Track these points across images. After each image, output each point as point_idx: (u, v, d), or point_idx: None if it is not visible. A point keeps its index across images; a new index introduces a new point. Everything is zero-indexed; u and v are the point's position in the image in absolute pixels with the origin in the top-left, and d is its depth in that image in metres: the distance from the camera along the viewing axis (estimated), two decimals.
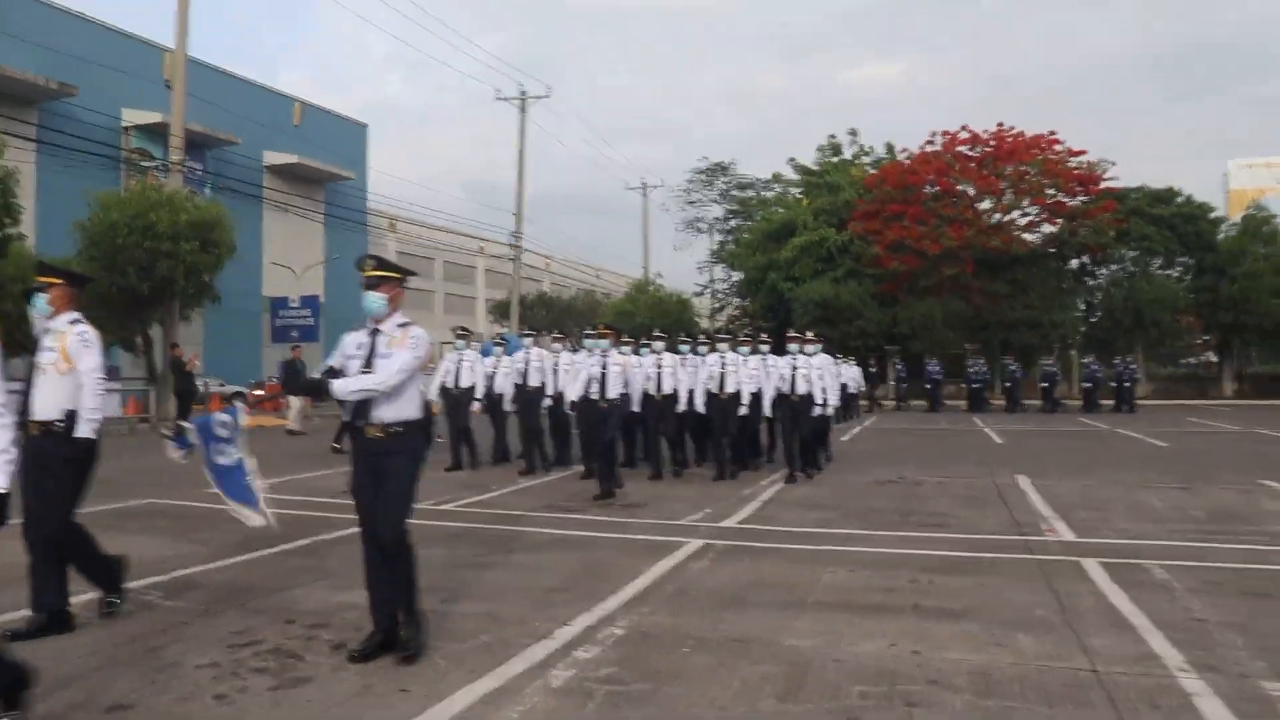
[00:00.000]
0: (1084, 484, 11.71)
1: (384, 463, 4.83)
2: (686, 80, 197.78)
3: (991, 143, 38.06)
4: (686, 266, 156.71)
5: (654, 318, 41.69)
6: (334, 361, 5.06)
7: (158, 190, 21.21)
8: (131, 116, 39.74)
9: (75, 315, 5.39)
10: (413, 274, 5.37)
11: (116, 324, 22.66)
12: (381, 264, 5.03)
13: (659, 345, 12.73)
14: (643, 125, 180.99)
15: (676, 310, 45.46)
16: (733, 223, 53.80)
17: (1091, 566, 6.86)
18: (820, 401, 12.24)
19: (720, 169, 53.90)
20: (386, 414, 4.84)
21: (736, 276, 49.55)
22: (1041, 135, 38.23)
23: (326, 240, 52.11)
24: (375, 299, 4.96)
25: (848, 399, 24.64)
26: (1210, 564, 7.02)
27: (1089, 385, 30.63)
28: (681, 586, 6.36)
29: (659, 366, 12.37)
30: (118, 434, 21.40)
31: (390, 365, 4.81)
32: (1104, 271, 42.54)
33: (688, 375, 12.30)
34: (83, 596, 5.52)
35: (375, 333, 4.96)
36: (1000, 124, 38.89)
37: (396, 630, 4.77)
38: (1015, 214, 39.89)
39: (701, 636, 5.15)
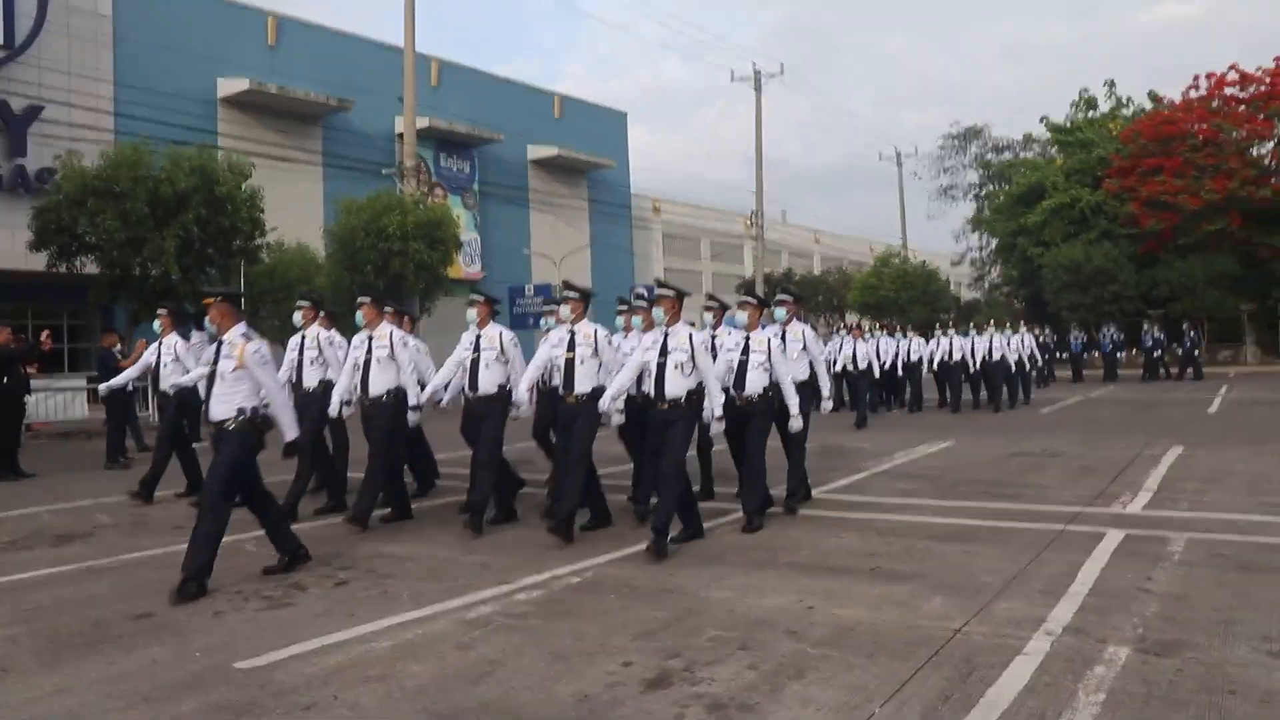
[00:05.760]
0: (1237, 456, 10.98)
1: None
2: (966, 40, 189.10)
3: (1266, 81, 34.26)
4: (942, 235, 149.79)
5: (898, 290, 41.04)
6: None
7: (388, 195, 23.64)
8: (402, 124, 43.71)
9: None
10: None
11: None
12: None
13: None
14: (920, 89, 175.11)
15: (922, 282, 44.16)
16: (986, 188, 51.49)
17: (1113, 538, 6.77)
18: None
19: (973, 133, 51.63)
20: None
21: (994, 243, 47.56)
22: None
23: (591, 228, 54.83)
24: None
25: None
26: (1245, 538, 6.71)
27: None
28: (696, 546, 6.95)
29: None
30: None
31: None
32: None
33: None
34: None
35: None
36: (1278, 59, 34.92)
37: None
38: None
39: (643, 587, 5.78)
